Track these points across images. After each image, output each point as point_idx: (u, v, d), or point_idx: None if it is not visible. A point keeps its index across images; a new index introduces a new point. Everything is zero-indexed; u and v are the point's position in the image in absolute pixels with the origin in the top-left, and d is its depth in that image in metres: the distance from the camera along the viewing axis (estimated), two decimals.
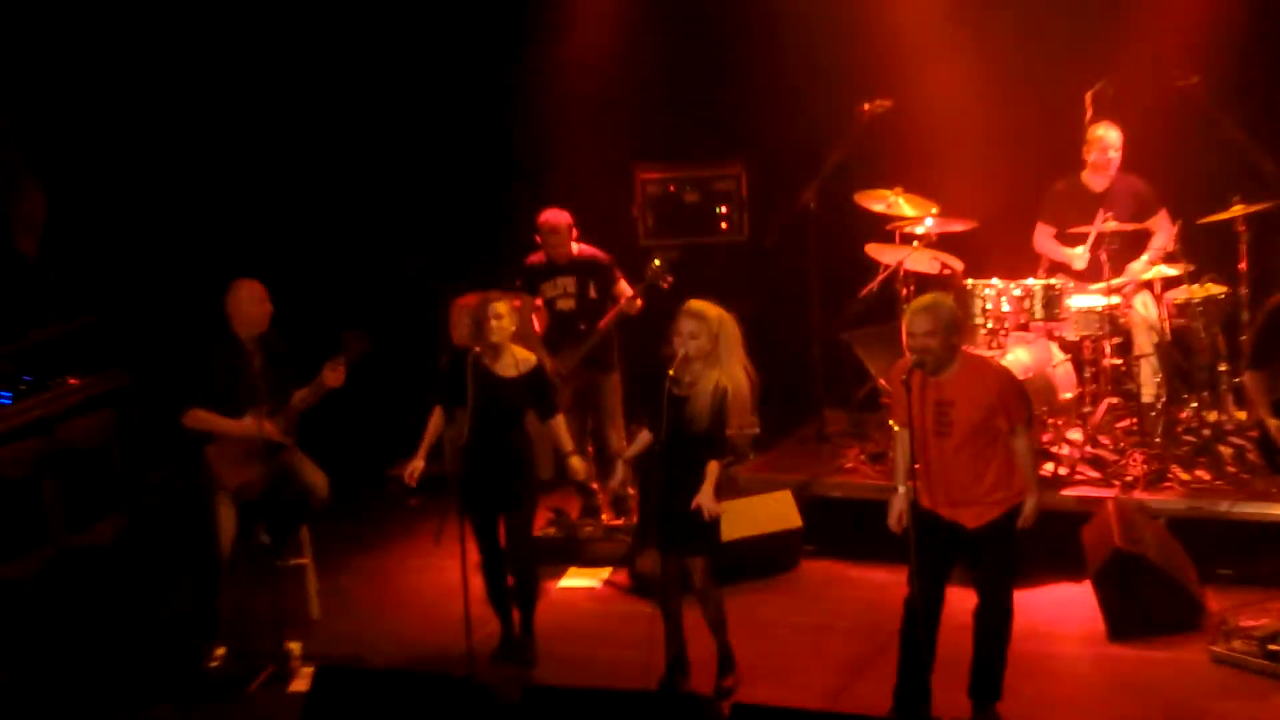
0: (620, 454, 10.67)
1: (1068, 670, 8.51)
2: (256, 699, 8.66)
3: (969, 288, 10.29)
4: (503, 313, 8.70)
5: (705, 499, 8.09)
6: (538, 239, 10.61)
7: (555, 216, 10.55)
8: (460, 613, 8.41)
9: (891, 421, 7.94)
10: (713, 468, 8.13)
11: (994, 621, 7.74)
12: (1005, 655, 7.79)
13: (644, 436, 8.34)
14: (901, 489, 7.75)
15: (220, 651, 9.08)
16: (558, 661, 8.91)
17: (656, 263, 10.27)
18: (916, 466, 7.59)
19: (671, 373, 8.04)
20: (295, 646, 9.03)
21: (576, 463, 9.07)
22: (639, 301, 10.39)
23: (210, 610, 9.08)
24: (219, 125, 12.45)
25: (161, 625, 9.64)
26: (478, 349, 8.73)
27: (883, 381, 10.31)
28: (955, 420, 7.55)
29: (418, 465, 8.77)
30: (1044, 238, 10.83)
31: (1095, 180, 10.69)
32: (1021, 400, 7.69)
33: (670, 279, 10.19)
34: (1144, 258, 10.56)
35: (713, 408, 8.09)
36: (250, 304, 9.15)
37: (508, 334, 8.73)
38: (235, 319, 9.15)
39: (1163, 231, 10.51)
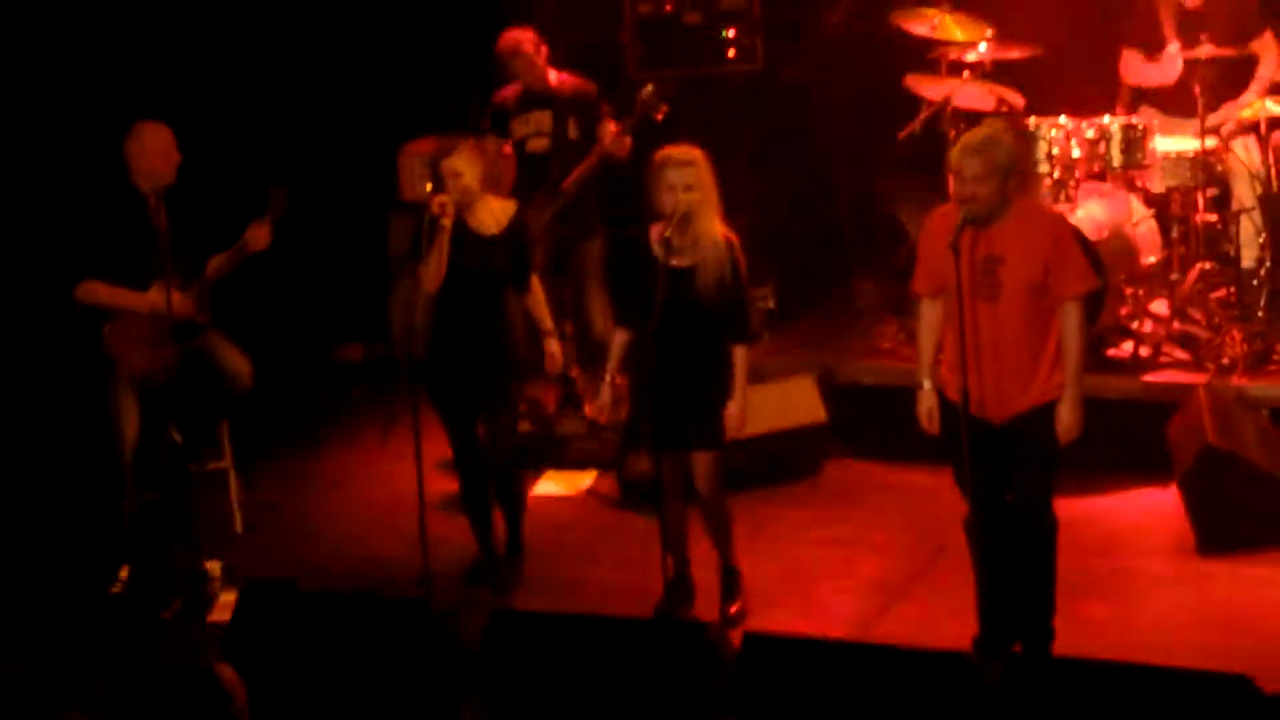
0: (605, 337, 10.72)
1: (1146, 592, 8.57)
2: (170, 628, 8.70)
3: (1031, 128, 10.24)
4: (461, 168, 8.62)
5: (738, 404, 8.17)
6: (503, 71, 10.56)
7: (516, 35, 10.47)
8: (414, 526, 8.44)
9: (915, 288, 7.88)
10: (741, 356, 8.20)
11: (1036, 538, 7.67)
12: (1054, 583, 7.74)
13: (620, 336, 8.34)
14: (927, 383, 7.76)
15: (124, 572, 9.13)
16: (533, 584, 8.97)
17: (649, 88, 10.20)
18: (954, 346, 7.53)
19: (668, 234, 8.01)
20: (215, 566, 9.07)
21: (554, 347, 9.01)
22: (627, 140, 10.31)
23: (113, 523, 9.11)
24: None
25: (53, 541, 9.68)
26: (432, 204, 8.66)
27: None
28: (1004, 280, 7.45)
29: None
30: (1135, 66, 10.74)
31: None
32: (1080, 261, 7.57)
33: (665, 109, 10.12)
34: (1249, 93, 10.49)
35: (731, 273, 8.10)
36: (155, 153, 9.13)
37: (474, 189, 8.67)
38: (136, 170, 9.12)
39: (1271, 57, 10.45)
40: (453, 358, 8.75)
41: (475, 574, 9.02)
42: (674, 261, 8.08)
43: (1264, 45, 10.51)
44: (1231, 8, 10.52)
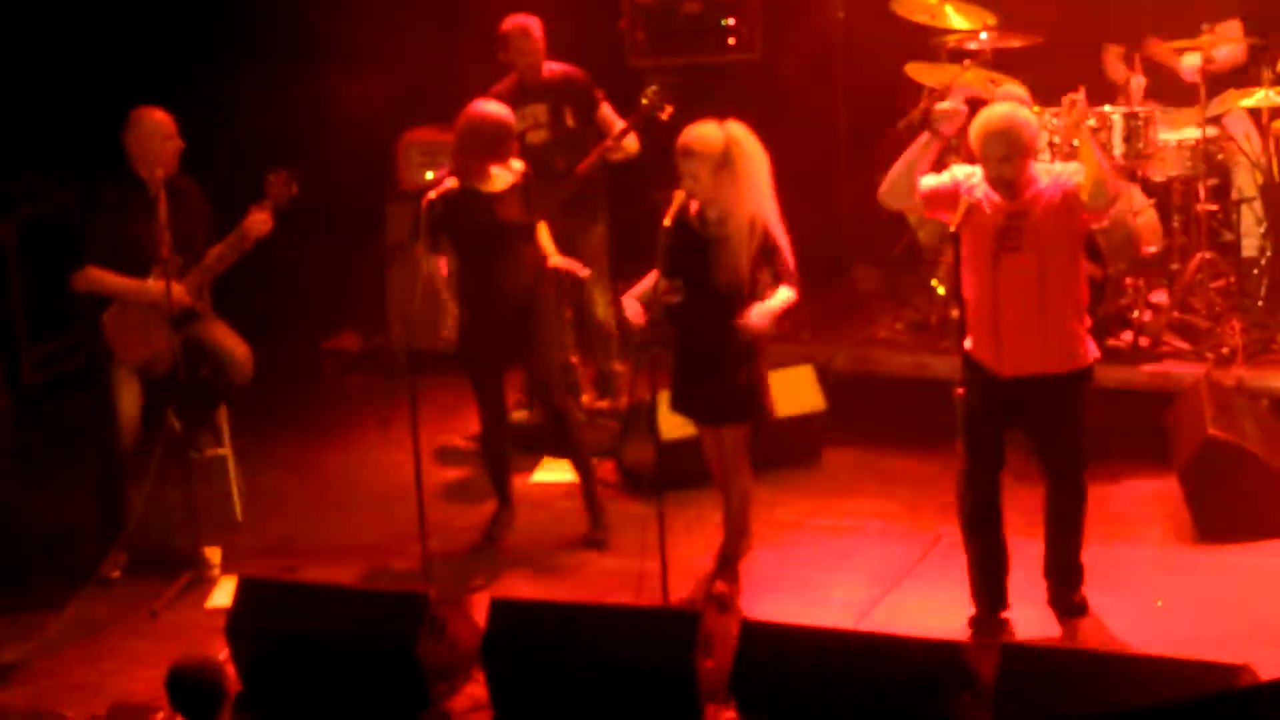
0: (606, 324, 10.77)
1: (1146, 581, 8.56)
2: (168, 615, 8.72)
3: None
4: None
5: (756, 316, 8.21)
6: (502, 57, 10.56)
7: (525, 20, 10.51)
8: (413, 515, 8.46)
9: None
10: (784, 293, 8.32)
11: (1069, 506, 7.95)
12: (1081, 545, 8.02)
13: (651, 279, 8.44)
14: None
15: (123, 559, 9.15)
16: (529, 571, 8.98)
17: (652, 89, 10.22)
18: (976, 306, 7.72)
19: (695, 212, 8.20)
20: (213, 553, 9.11)
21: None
22: (635, 136, 10.36)
23: (111, 510, 9.14)
24: None
25: (52, 528, 9.70)
26: (443, 183, 8.76)
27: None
28: (1025, 230, 7.66)
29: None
30: (1114, 63, 10.74)
31: None
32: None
33: (670, 109, 10.15)
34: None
35: (759, 249, 8.24)
36: (155, 138, 9.13)
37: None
38: (136, 157, 9.12)
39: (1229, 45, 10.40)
40: (481, 319, 8.95)
41: (494, 529, 9.28)
42: (703, 233, 8.25)
43: (1226, 30, 10.45)
44: None
